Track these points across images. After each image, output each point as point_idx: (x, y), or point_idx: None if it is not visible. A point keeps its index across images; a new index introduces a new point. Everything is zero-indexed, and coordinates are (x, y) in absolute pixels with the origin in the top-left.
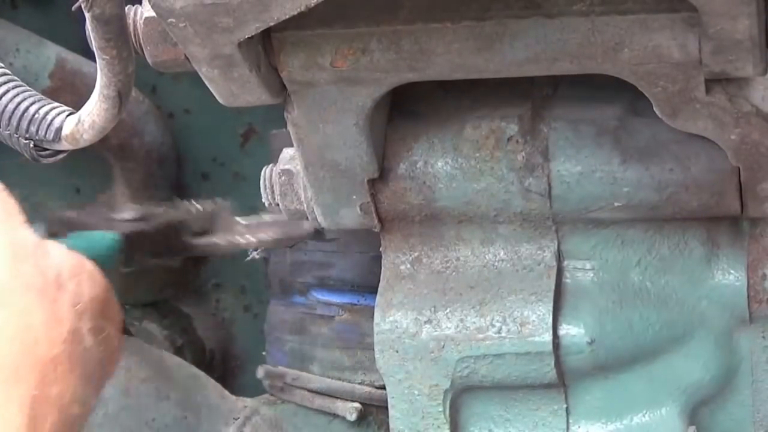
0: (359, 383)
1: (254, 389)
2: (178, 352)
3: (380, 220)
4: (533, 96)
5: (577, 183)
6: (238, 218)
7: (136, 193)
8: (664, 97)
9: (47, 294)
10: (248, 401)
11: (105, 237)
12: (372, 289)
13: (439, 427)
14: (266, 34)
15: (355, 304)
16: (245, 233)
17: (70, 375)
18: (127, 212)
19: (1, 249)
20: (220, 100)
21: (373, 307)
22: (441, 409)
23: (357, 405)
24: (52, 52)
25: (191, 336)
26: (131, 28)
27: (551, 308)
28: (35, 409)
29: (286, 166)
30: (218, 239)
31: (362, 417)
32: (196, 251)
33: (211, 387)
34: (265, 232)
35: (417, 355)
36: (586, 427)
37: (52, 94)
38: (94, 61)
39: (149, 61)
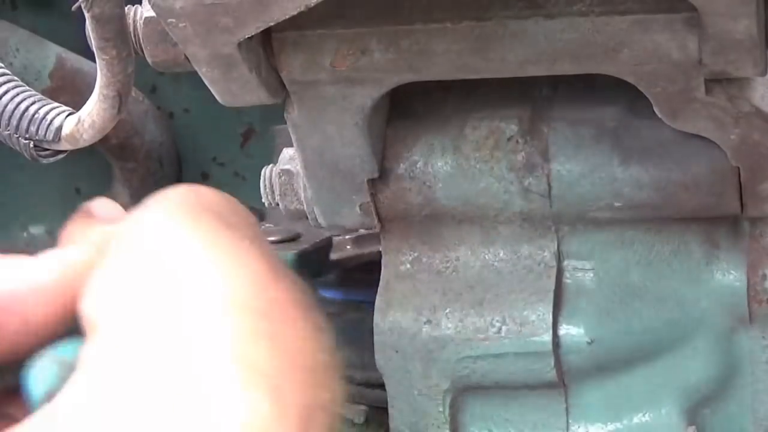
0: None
1: None
2: None
3: (380, 220)
4: (533, 96)
5: (577, 183)
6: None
7: (136, 193)
8: (664, 97)
9: (302, 310)
10: None
11: (285, 256)
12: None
13: (439, 427)
14: (266, 34)
15: (337, 300)
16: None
17: (333, 381)
18: (274, 234)
19: (265, 267)
20: (220, 100)
21: (358, 303)
22: (441, 409)
23: (364, 407)
24: (52, 52)
25: None
26: (131, 28)
27: (551, 308)
28: (307, 415)
29: (286, 166)
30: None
31: (365, 418)
32: (342, 264)
33: None
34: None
35: (417, 355)
36: (586, 427)
37: (52, 94)
38: (94, 61)
39: (149, 61)
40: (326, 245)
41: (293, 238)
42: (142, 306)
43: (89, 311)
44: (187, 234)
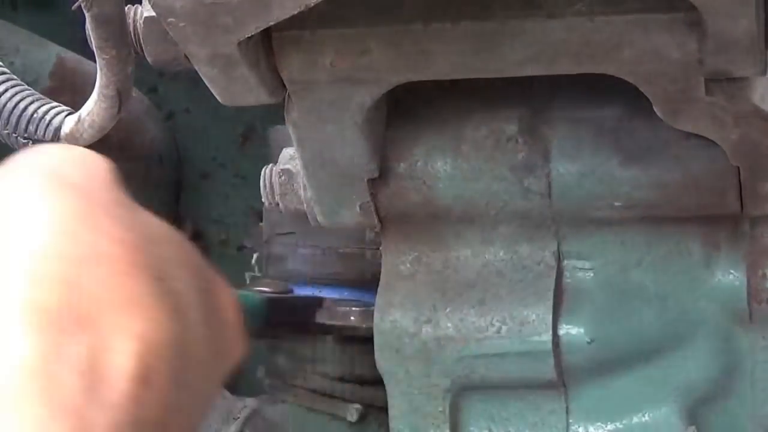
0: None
1: (254, 389)
2: None
3: (380, 219)
4: (533, 96)
5: (577, 183)
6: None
7: (136, 193)
8: (664, 97)
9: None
10: (248, 401)
11: (254, 297)
12: (327, 282)
13: (439, 427)
14: (266, 34)
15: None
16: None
17: (130, 334)
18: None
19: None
20: (220, 100)
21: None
22: (441, 409)
23: (358, 406)
24: (52, 52)
25: None
26: (131, 28)
27: (551, 308)
28: (90, 358)
29: (286, 166)
30: (354, 323)
31: (362, 417)
32: (329, 330)
33: None
34: None
35: (417, 355)
36: (586, 427)
37: (52, 94)
38: (94, 61)
39: (149, 61)
40: (309, 304)
41: (283, 293)
42: None
43: None
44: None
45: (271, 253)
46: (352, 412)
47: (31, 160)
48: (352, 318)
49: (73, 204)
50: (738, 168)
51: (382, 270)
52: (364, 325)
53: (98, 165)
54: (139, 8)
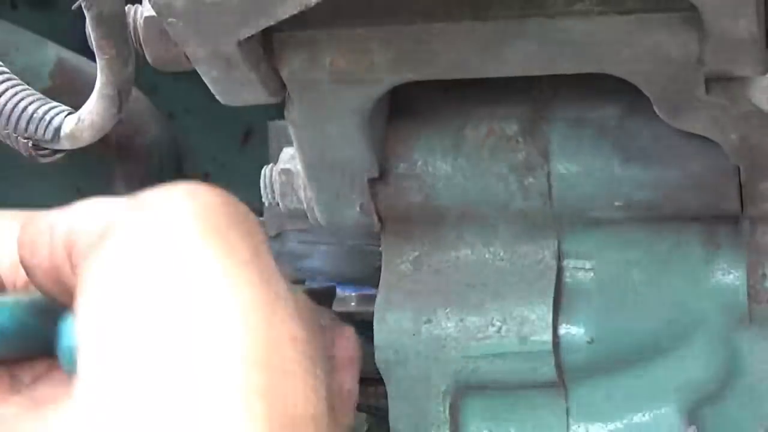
0: None
1: None
2: None
3: (380, 219)
4: (533, 96)
5: (577, 183)
6: None
7: (136, 193)
8: (664, 97)
9: (307, 356)
10: None
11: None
12: (349, 280)
13: (439, 427)
14: (266, 34)
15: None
16: None
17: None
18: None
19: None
20: (220, 100)
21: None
22: (441, 409)
23: (366, 416)
24: (52, 52)
25: None
26: (131, 28)
27: (551, 308)
28: None
29: (286, 166)
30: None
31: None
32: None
33: None
34: None
35: (417, 355)
36: (586, 427)
37: (52, 94)
38: (94, 61)
39: (149, 61)
40: (329, 292)
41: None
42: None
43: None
44: (207, 257)
45: (282, 251)
46: (362, 424)
47: (213, 211)
48: (352, 304)
49: (259, 292)
50: (738, 168)
51: (382, 270)
52: (362, 310)
53: (256, 222)
54: (139, 8)
